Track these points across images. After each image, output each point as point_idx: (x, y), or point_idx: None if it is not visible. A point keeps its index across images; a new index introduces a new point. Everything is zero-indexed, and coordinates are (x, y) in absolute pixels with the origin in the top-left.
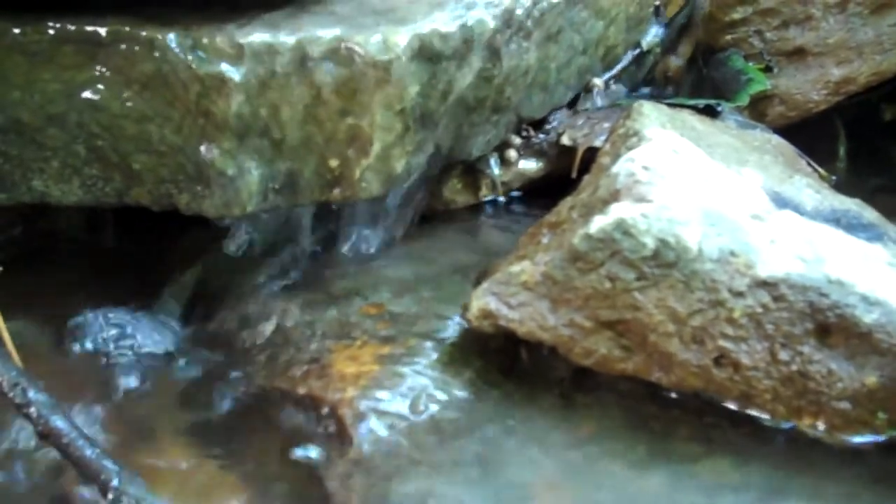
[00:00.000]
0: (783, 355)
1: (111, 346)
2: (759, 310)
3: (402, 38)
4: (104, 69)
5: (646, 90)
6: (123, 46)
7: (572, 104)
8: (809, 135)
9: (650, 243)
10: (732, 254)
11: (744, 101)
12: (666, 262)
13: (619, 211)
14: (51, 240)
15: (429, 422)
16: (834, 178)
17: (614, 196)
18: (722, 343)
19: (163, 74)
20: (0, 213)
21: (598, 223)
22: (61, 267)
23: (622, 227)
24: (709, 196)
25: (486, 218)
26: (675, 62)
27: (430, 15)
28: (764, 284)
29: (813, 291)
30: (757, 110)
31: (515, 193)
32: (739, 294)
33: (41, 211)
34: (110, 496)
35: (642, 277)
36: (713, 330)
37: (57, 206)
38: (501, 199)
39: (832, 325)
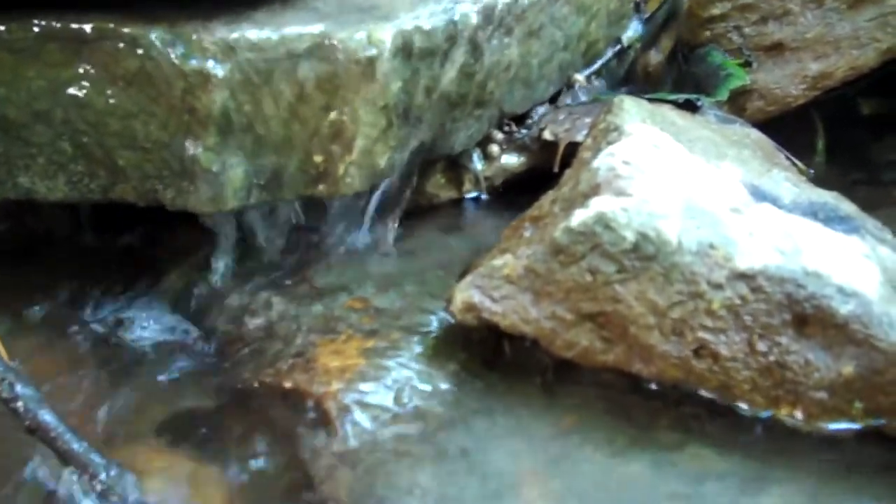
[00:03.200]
0: (761, 346)
1: (100, 343)
2: (738, 301)
3: (385, 35)
4: (89, 66)
5: (626, 85)
6: (108, 43)
7: (554, 99)
8: (788, 129)
9: (630, 236)
10: (711, 246)
11: (723, 96)
12: (646, 254)
13: (599, 204)
14: (38, 236)
15: (413, 414)
16: (812, 171)
17: (595, 190)
18: (701, 335)
19: (147, 71)
20: None
21: (579, 217)
22: (49, 264)
23: (603, 221)
24: (688, 190)
25: (469, 212)
26: (656, 57)
27: (413, 11)
28: (742, 276)
29: (790, 283)
30: (736, 105)
31: (498, 188)
32: (718, 286)
33: (28, 208)
34: (98, 489)
35: (623, 270)
36: (692, 322)
37: (43, 202)
38: (484, 194)
39: (809, 316)
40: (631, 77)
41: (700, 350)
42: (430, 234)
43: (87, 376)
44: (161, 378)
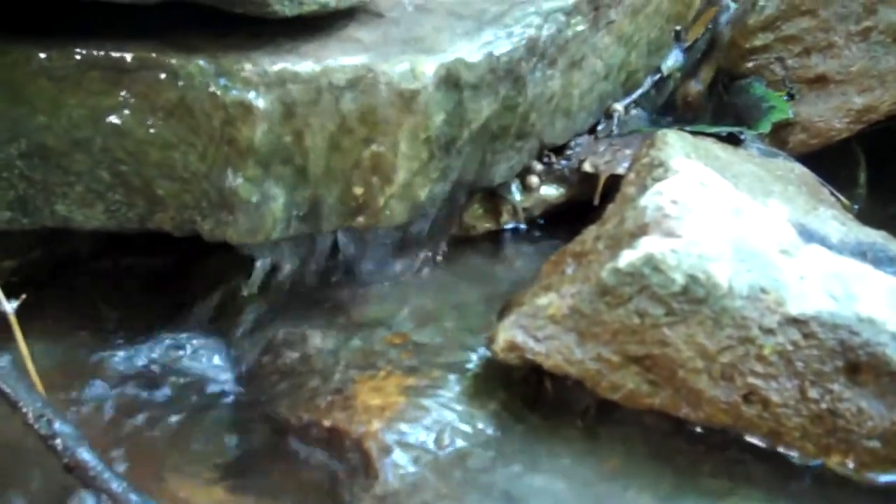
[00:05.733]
0: (813, 393)
1: (134, 374)
2: (790, 347)
3: (428, 67)
4: (129, 95)
5: (665, 115)
6: (148, 73)
7: (592, 130)
8: (829, 161)
9: (680, 279)
10: (763, 290)
11: (766, 128)
12: (696, 298)
13: (648, 245)
14: (70, 262)
15: (454, 455)
16: (855, 205)
17: (642, 230)
18: (751, 380)
19: (187, 101)
20: (20, 236)
21: (628, 258)
22: (81, 290)
23: (652, 263)
24: (737, 230)
25: (507, 244)
26: (696, 88)
27: (456, 44)
28: (794, 322)
29: (843, 329)
30: (778, 138)
31: (536, 219)
32: (769, 331)
33: (61, 234)
34: None
35: (671, 313)
36: (743, 367)
37: (79, 230)
38: (522, 225)
39: (863, 364)
40: (670, 107)
41: (750, 396)
42: (469, 266)
43: (117, 409)
44: (195, 412)
